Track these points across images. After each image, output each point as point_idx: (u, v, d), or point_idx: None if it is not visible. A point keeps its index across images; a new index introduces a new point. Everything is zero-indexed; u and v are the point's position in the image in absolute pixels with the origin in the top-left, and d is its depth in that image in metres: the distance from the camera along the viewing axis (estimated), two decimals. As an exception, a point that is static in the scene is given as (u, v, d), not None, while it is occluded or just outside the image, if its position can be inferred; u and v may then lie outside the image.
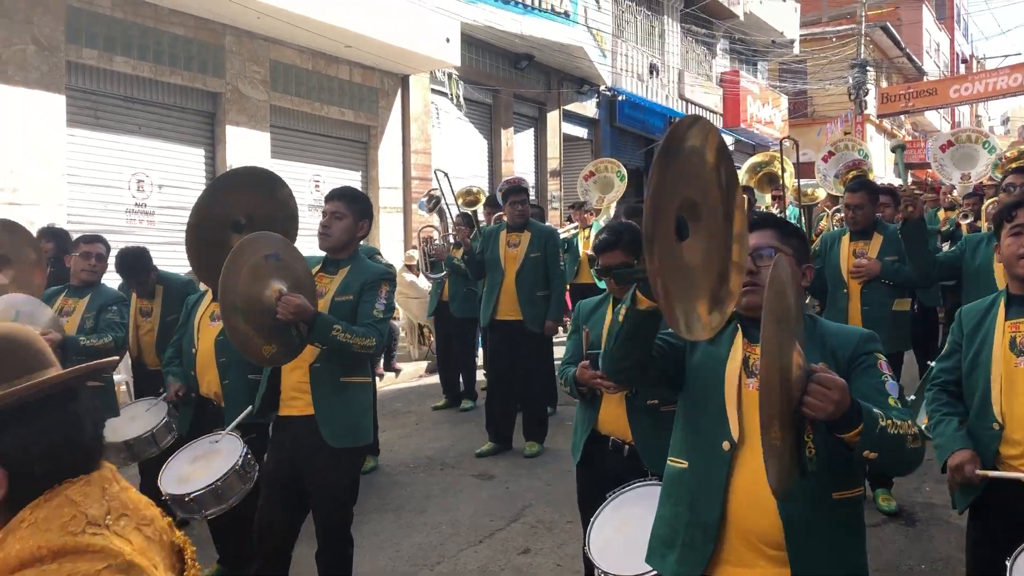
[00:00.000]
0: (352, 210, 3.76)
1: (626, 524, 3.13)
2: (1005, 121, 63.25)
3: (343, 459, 3.67)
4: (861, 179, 6.35)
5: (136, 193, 9.57)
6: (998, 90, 24.27)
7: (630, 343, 2.18)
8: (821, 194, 8.93)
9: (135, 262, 5.38)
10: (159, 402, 5.08)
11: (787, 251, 2.25)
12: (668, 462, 2.41)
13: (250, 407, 4.17)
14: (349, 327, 3.55)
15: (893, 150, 5.87)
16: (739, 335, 2.31)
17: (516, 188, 7.14)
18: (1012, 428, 2.69)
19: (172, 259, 9.55)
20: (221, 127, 10.35)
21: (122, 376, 6.79)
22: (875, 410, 1.93)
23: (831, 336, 2.26)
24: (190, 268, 4.75)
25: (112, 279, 5.54)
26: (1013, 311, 2.81)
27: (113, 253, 5.48)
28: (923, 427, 2.85)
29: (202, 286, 4.96)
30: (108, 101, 9.29)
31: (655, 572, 2.81)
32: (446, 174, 8.63)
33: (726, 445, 2.19)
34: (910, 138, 35.10)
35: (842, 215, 6.36)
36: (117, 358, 1.65)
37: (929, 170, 23.99)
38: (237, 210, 3.87)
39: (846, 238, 5.46)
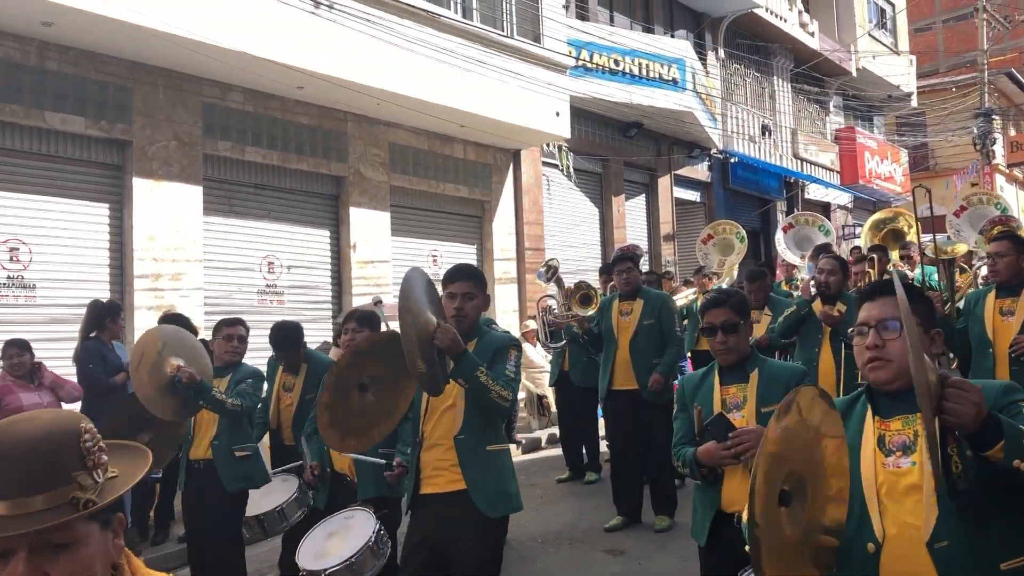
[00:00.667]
0: (480, 288, 3.79)
1: None
2: None
3: (492, 529, 3.63)
4: (1007, 231, 6.05)
5: (267, 275, 10.00)
6: None
7: None
8: (962, 248, 8.53)
9: (290, 334, 5.62)
10: (291, 477, 5.22)
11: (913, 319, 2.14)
12: None
13: (384, 461, 4.23)
14: (492, 372, 3.53)
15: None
16: (868, 414, 2.21)
17: (622, 257, 7.13)
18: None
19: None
20: (345, 208, 10.76)
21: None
22: (1015, 424, 1.85)
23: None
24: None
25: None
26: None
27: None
28: None
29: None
30: (241, 189, 9.82)
31: None
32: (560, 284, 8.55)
33: (871, 547, 2.06)
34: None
35: (984, 273, 6.07)
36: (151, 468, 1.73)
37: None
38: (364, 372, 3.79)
39: (991, 295, 5.17)
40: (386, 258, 11.10)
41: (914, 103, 25.27)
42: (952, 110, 25.64)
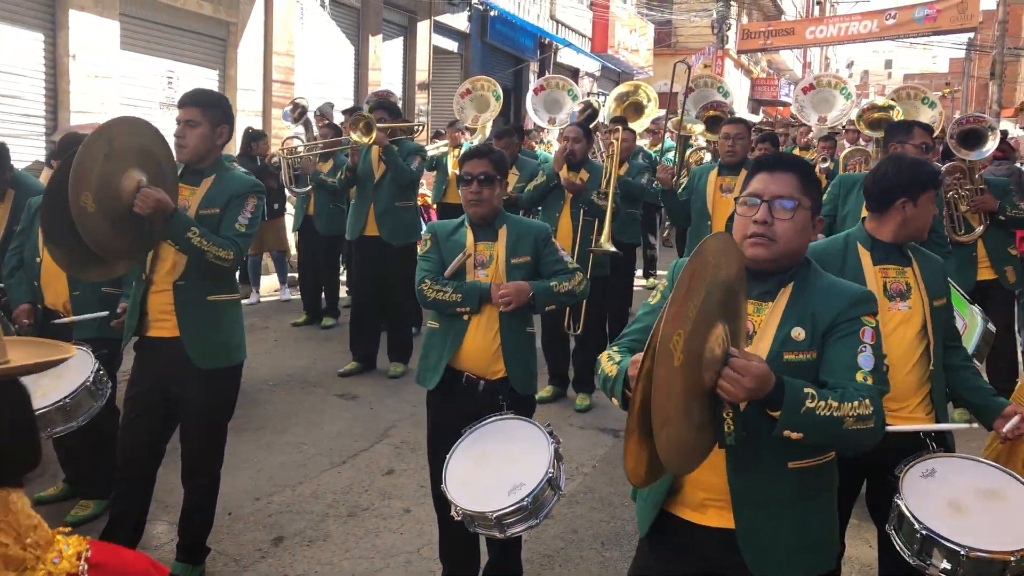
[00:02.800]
0: (209, 116, 3.50)
1: (484, 458, 3.17)
2: (849, 65, 66.53)
3: (215, 380, 3.56)
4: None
5: (-34, 79, 8.68)
6: (849, 35, 25.42)
7: None
8: (698, 128, 9.16)
9: None
10: None
11: (805, 203, 2.21)
12: None
13: (107, 312, 3.98)
14: (207, 233, 3.40)
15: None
16: None
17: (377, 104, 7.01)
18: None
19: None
20: (64, 11, 9.43)
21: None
22: (806, 390, 1.94)
23: (819, 296, 2.19)
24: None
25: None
26: (877, 256, 2.95)
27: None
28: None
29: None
30: (-70, -29, 8.30)
31: (510, 506, 2.89)
32: None
33: None
34: (764, 75, 36.44)
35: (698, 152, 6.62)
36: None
37: (781, 108, 24.96)
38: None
39: (714, 172, 5.71)
40: (111, 74, 9.97)
41: (665, -20, 26.24)
42: (698, -9, 26.97)
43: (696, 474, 2.11)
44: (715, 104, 8.83)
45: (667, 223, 12.81)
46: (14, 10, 9.11)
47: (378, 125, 6.50)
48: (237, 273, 3.84)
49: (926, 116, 8.02)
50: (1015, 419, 2.77)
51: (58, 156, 4.53)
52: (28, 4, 9.28)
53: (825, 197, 4.79)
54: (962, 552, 2.39)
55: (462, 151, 8.70)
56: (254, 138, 8.84)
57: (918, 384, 2.88)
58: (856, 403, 1.98)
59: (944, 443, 2.90)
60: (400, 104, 14.92)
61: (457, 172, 7.81)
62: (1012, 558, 2.37)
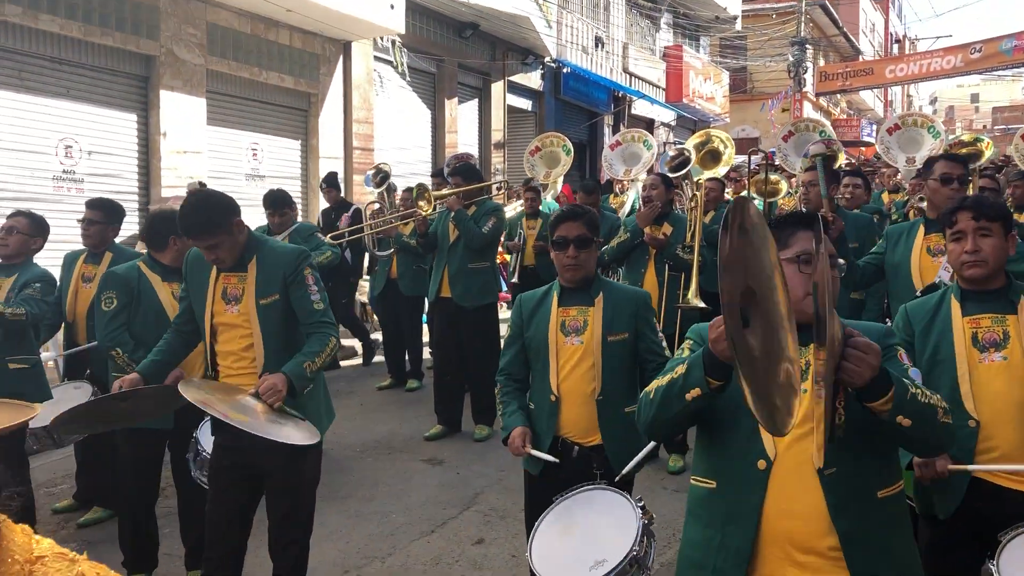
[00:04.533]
0: (225, 231, 3.33)
1: (570, 529, 3.06)
2: (933, 101, 64.96)
3: (303, 450, 3.48)
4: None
5: (64, 159, 9.08)
6: (931, 71, 24.79)
7: (687, 420, 2.18)
8: (783, 187, 8.96)
9: (110, 209, 5.17)
10: (84, 384, 4.82)
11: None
12: (692, 482, 2.31)
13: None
14: (311, 352, 3.35)
15: (813, 157, 5.57)
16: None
17: (454, 170, 7.06)
18: (985, 425, 2.72)
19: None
20: (155, 91, 9.87)
21: (50, 354, 6.44)
22: (904, 379, 1.97)
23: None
24: None
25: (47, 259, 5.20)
26: (969, 307, 2.84)
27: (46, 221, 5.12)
28: None
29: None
30: (34, 62, 8.76)
31: None
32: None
33: (761, 464, 2.09)
34: (844, 116, 35.78)
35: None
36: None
37: (863, 148, 24.40)
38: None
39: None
40: (200, 149, 10.34)
41: (738, 26, 26.13)
42: (771, 36, 26.76)
43: (781, 526, 2.06)
44: (826, 143, 8.58)
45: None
46: (109, 93, 9.57)
47: (444, 191, 6.59)
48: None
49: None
50: None
51: (144, 233, 4.59)
52: (122, 86, 9.74)
53: (874, 252, 4.64)
54: None
55: (548, 213, 8.72)
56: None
57: None
58: (938, 397, 2.03)
59: None
60: (477, 164, 15.12)
61: (526, 231, 7.80)
62: None
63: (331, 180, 9.54)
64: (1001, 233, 2.84)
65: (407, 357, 8.40)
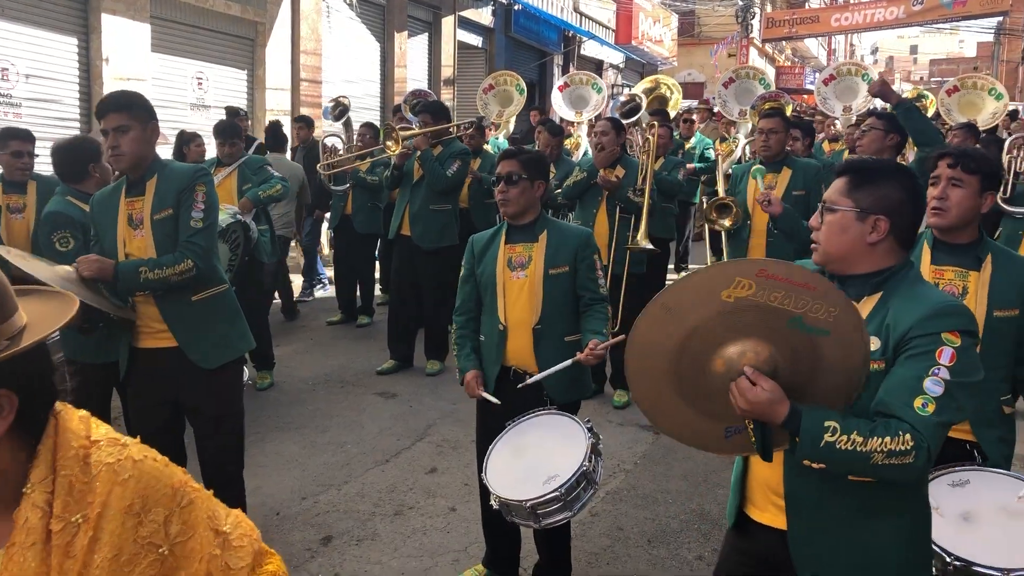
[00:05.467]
0: (137, 117, 3.35)
1: (523, 451, 3.27)
2: (874, 51, 65.74)
3: (225, 375, 3.54)
4: (777, 107, 6.52)
5: (1, 82, 8.79)
6: (875, 22, 25.12)
7: None
8: (737, 152, 9.12)
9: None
10: None
11: (845, 204, 2.11)
12: None
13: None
14: (156, 262, 3.31)
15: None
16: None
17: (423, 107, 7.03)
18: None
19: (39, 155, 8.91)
20: (96, 15, 9.54)
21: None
22: (828, 423, 1.87)
23: (900, 304, 2.04)
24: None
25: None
26: (938, 256, 2.95)
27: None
28: None
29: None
30: (-34, -21, 8.41)
31: (544, 496, 2.96)
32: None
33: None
34: (789, 63, 36.10)
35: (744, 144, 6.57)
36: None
37: (806, 96, 24.78)
38: None
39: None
40: (144, 76, 10.06)
41: (689, -31, 26.07)
42: (721, -19, 26.75)
43: (762, 471, 2.18)
44: (772, 95, 8.74)
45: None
46: (47, 15, 9.22)
47: (412, 131, 6.59)
48: (225, 260, 3.74)
49: (991, 108, 7.88)
50: None
51: (61, 168, 4.46)
52: (61, 9, 9.39)
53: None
54: (948, 560, 2.35)
55: (494, 153, 8.76)
56: (186, 141, 7.77)
57: None
58: (889, 438, 1.86)
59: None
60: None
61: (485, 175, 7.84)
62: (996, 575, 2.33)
63: (307, 120, 9.42)
64: (975, 188, 2.82)
65: (358, 293, 8.46)
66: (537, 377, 3.38)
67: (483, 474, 3.25)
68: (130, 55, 9.84)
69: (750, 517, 2.26)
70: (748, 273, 1.87)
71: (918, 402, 1.89)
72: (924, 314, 1.97)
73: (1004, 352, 2.77)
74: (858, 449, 1.87)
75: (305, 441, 5.41)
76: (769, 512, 2.19)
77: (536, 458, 3.20)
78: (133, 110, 3.34)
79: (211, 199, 3.46)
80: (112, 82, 9.63)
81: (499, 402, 3.46)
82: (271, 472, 4.92)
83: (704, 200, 11.62)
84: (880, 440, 1.87)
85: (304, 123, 9.22)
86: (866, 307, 2.08)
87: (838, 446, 1.87)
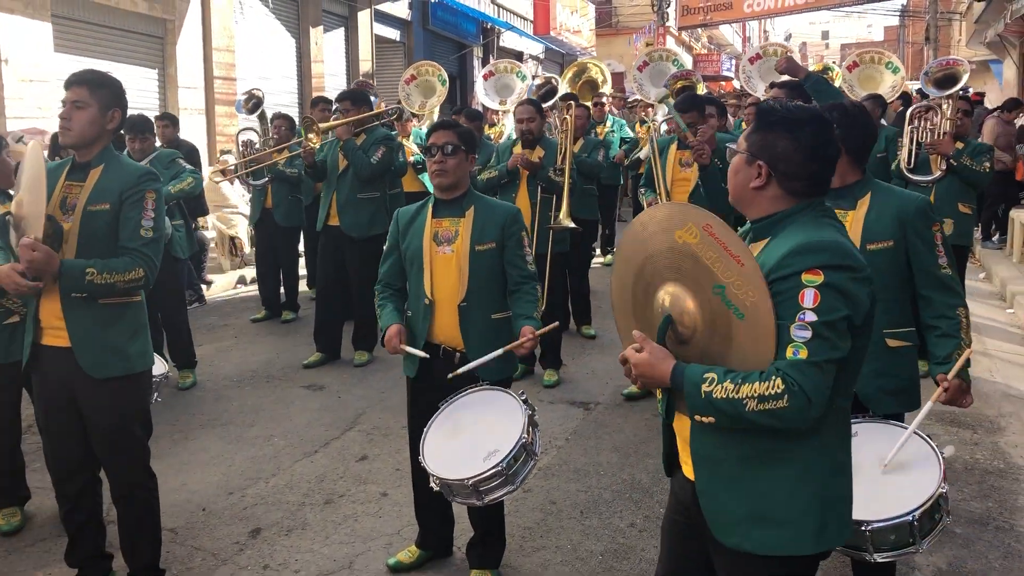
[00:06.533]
0: (98, 97, 3.20)
1: (459, 428, 3.24)
2: (788, 38, 67.36)
3: (114, 390, 3.24)
4: (689, 85, 6.60)
5: None
6: (786, 7, 25.68)
7: None
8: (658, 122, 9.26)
9: None
10: None
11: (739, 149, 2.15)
12: None
13: None
14: (106, 265, 3.08)
15: (660, 101, 5.94)
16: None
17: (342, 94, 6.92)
18: None
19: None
20: (-9, 14, 9.18)
21: None
22: (706, 375, 1.93)
23: (771, 246, 2.04)
24: None
25: None
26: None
27: None
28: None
29: None
30: None
31: (486, 472, 2.95)
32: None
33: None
34: (706, 51, 36.75)
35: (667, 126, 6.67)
36: None
37: (723, 83, 25.22)
38: None
39: (674, 146, 5.72)
40: (47, 77, 9.71)
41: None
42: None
43: (678, 424, 2.20)
44: (684, 74, 8.84)
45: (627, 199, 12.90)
46: (-60, 15, 8.83)
47: (332, 122, 6.47)
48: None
49: (889, 80, 8.14)
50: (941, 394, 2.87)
51: None
52: (-46, 8, 9.00)
53: None
54: None
55: (412, 140, 8.70)
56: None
57: None
58: (759, 383, 1.86)
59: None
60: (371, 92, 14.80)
61: (411, 160, 7.80)
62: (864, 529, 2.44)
63: (172, 118, 8.70)
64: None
65: (282, 288, 8.31)
66: (468, 367, 3.33)
67: (420, 457, 3.18)
68: (31, 55, 9.48)
69: (676, 467, 2.28)
70: (698, 222, 1.95)
71: (789, 351, 1.88)
72: (782, 253, 1.95)
73: (883, 286, 2.74)
74: (731, 396, 1.90)
75: (230, 436, 5.29)
76: (688, 465, 2.20)
77: (473, 435, 3.17)
78: (97, 89, 3.19)
79: (160, 207, 3.27)
80: (15, 83, 9.28)
81: (424, 354, 3.40)
82: (195, 469, 4.80)
83: (630, 182, 11.77)
84: (750, 386, 1.88)
85: (168, 121, 8.41)
86: (753, 252, 2.02)
87: (715, 395, 1.91)
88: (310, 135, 6.67)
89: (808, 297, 1.89)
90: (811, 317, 1.88)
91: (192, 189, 6.29)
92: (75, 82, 3.22)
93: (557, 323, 4.06)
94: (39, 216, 3.02)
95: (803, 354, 1.87)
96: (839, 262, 1.92)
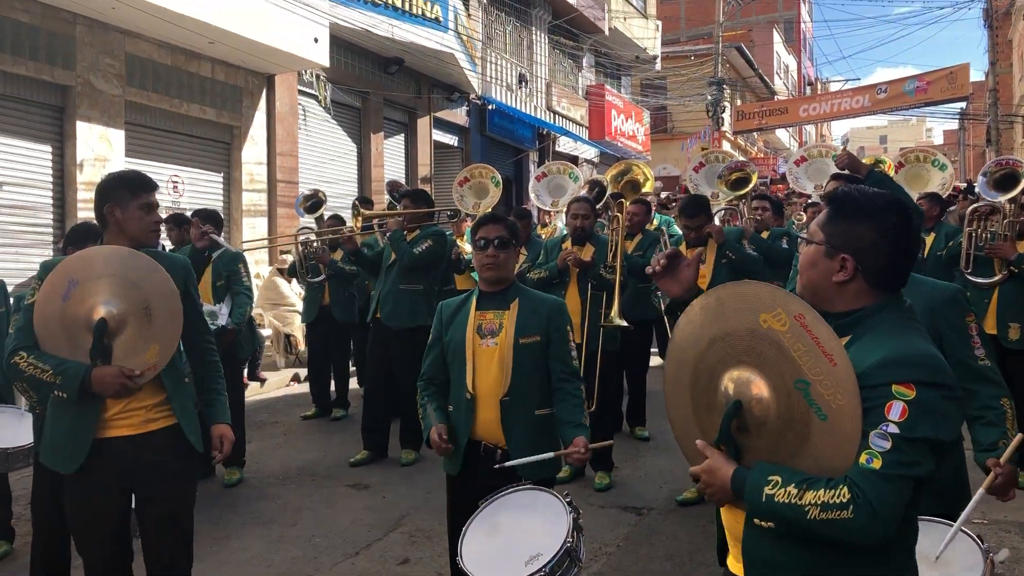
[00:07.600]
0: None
1: (499, 529, 3.07)
2: (845, 142, 67.64)
3: (191, 466, 3.30)
4: (691, 197, 6.61)
5: (-25, 191, 8.82)
6: (842, 111, 25.87)
7: None
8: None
9: None
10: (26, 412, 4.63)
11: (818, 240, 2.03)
12: None
13: None
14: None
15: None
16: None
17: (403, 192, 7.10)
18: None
19: (13, 263, 8.86)
20: (71, 122, 9.67)
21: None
22: (771, 477, 1.83)
23: (860, 349, 1.89)
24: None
25: None
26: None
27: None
28: None
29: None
30: (-59, 89, 8.52)
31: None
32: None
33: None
34: (762, 155, 36.95)
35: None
36: None
37: (780, 185, 25.28)
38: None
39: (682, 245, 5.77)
40: (119, 181, 10.12)
41: (658, 67, 26.90)
42: (690, 77, 27.60)
43: (728, 519, 2.07)
44: (739, 165, 8.82)
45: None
46: (22, 123, 9.34)
47: (380, 211, 6.58)
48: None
49: (937, 179, 7.99)
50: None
51: (71, 243, 4.48)
52: (35, 117, 9.51)
53: None
54: None
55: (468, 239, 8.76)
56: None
57: None
58: (824, 491, 1.76)
59: None
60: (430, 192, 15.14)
61: (467, 257, 7.83)
62: None
63: (178, 218, 7.44)
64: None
65: (333, 386, 8.30)
66: (517, 462, 3.21)
67: (458, 558, 3.00)
68: (105, 161, 9.92)
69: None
70: (789, 310, 1.85)
71: (863, 457, 1.76)
72: (874, 362, 1.82)
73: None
74: (793, 502, 1.79)
75: (272, 536, 5.18)
76: (738, 563, 2.06)
77: (514, 537, 2.99)
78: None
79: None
80: (85, 188, 9.68)
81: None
82: (234, 568, 4.68)
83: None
84: (815, 493, 1.77)
85: (173, 223, 7.24)
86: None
87: (776, 499, 1.81)
88: (354, 221, 6.83)
89: (895, 410, 1.77)
90: (894, 429, 1.76)
91: (249, 310, 6.41)
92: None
93: (611, 441, 3.99)
94: (172, 340, 3.14)
95: (876, 464, 1.75)
96: (933, 379, 1.79)
